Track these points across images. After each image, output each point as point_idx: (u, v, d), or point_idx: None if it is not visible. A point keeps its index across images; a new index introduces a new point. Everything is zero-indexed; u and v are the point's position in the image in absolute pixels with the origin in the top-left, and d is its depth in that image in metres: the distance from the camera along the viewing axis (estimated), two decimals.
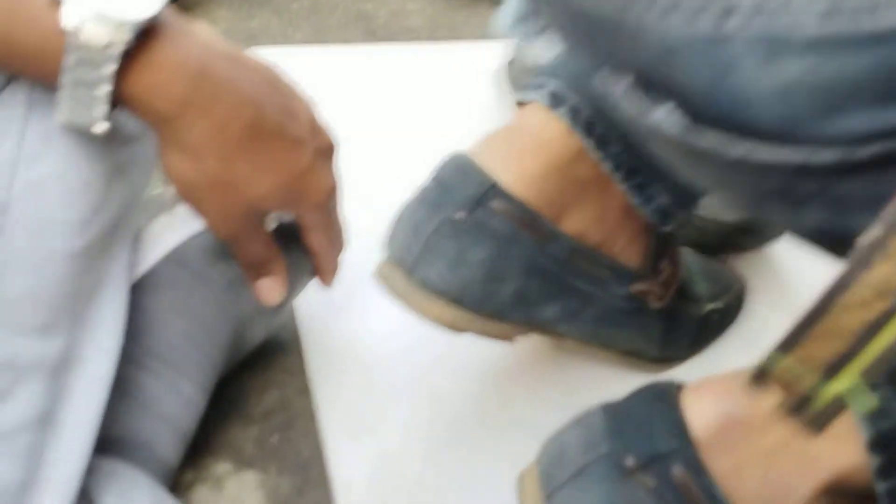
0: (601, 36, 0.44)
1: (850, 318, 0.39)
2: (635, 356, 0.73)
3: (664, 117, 0.42)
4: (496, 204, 0.63)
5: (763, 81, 0.38)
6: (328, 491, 0.67)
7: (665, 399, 0.55)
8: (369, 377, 0.75)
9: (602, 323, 0.69)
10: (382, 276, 0.66)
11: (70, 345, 0.53)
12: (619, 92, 0.45)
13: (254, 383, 0.74)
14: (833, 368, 0.41)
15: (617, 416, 0.55)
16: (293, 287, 0.68)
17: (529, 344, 0.78)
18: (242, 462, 0.69)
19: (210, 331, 0.65)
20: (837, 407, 0.43)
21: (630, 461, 0.52)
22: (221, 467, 0.68)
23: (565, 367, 0.76)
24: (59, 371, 0.52)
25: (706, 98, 0.39)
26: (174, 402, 0.62)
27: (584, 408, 0.59)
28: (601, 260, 0.66)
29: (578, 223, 0.65)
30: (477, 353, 0.77)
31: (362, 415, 0.72)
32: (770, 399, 0.45)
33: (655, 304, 0.69)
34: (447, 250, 0.63)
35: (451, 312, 0.64)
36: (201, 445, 0.68)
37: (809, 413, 0.43)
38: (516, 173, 0.63)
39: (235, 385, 0.73)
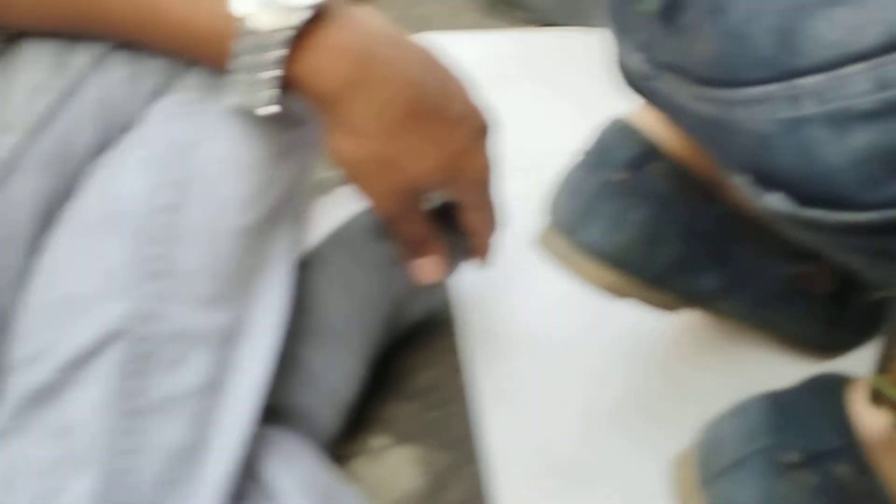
0: (712, 132, 0.47)
1: None
2: (800, 341, 0.71)
3: (776, 202, 0.44)
4: (656, 166, 0.62)
5: (840, 151, 0.40)
6: (483, 467, 0.68)
7: (831, 393, 0.53)
8: (524, 357, 0.75)
9: (763, 302, 0.67)
10: (544, 241, 0.66)
11: (238, 318, 0.55)
12: (737, 181, 0.47)
13: (411, 361, 0.76)
14: None
15: (778, 407, 0.54)
16: (450, 266, 0.69)
17: (691, 323, 0.76)
18: (400, 437, 0.71)
19: (370, 308, 0.66)
20: None
21: (791, 457, 0.51)
22: (379, 441, 0.70)
23: (727, 348, 0.74)
24: (228, 342, 0.54)
25: (801, 179, 0.42)
26: (336, 375, 0.64)
27: (745, 393, 0.57)
28: (761, 232, 0.64)
29: (738, 191, 0.64)
30: (634, 334, 0.76)
31: (516, 393, 0.72)
32: (886, 417, 0.44)
33: (820, 289, 0.67)
34: (608, 212, 0.62)
35: (612, 276, 0.63)
36: (361, 419, 0.71)
37: None
38: (676, 136, 0.62)
39: (394, 363, 0.75)
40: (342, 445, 0.69)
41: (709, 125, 0.46)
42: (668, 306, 0.67)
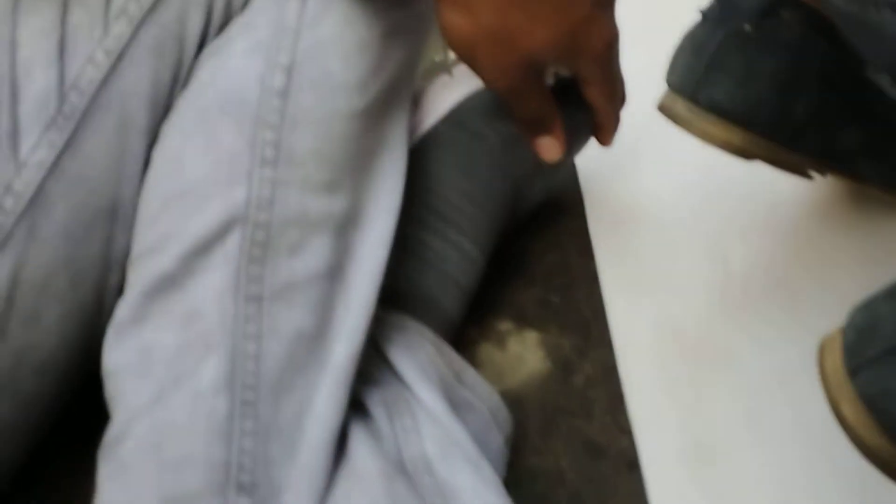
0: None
1: None
2: None
3: None
4: (787, 12, 0.57)
5: None
6: (609, 350, 0.66)
7: None
8: (652, 237, 0.73)
9: None
10: (664, 106, 0.63)
11: (354, 203, 0.55)
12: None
13: (535, 245, 0.74)
14: None
15: None
16: (572, 145, 0.67)
17: (827, 193, 0.72)
18: (524, 321, 0.70)
19: (489, 189, 0.65)
20: None
21: None
22: (504, 326, 0.69)
23: (869, 225, 0.70)
24: (345, 227, 0.54)
25: None
26: (456, 259, 0.63)
27: (890, 276, 0.54)
28: None
29: None
30: (767, 210, 0.72)
31: (645, 275, 0.70)
32: None
33: None
34: (734, 65, 0.58)
35: (740, 135, 0.60)
36: (484, 304, 0.70)
37: None
38: None
39: (517, 246, 0.74)
40: (466, 329, 0.68)
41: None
42: (802, 169, 0.62)
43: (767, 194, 0.73)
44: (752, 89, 0.58)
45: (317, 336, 0.52)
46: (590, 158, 0.77)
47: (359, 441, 0.51)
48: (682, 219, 0.73)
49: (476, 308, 0.69)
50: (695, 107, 0.60)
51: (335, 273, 0.53)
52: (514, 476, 0.59)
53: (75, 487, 0.55)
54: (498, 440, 0.58)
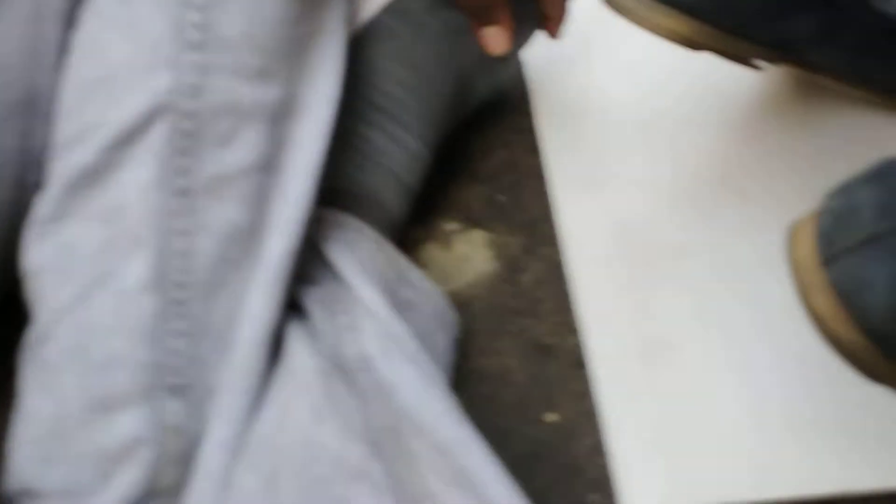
0: None
1: None
2: None
3: None
4: None
5: None
6: (558, 249, 0.65)
7: None
8: (601, 135, 0.70)
9: (862, 49, 0.60)
10: None
11: (289, 92, 0.52)
12: None
13: (481, 143, 0.72)
14: None
15: None
16: (519, 37, 0.64)
17: (778, 89, 0.70)
18: (470, 220, 0.67)
19: (432, 82, 0.62)
20: None
21: None
22: (450, 225, 0.67)
23: (820, 118, 0.68)
24: (280, 118, 0.51)
25: None
26: (399, 155, 0.61)
27: (844, 169, 0.52)
28: None
29: None
30: (718, 106, 0.70)
31: (595, 172, 0.68)
32: None
33: None
34: None
35: (685, 24, 0.57)
36: (429, 204, 0.67)
37: None
38: None
39: (462, 144, 0.71)
40: (411, 230, 0.66)
41: None
42: (751, 60, 0.60)
43: (719, 90, 0.71)
44: None
45: (251, 231, 0.49)
46: (537, 53, 0.74)
47: (296, 340, 0.48)
48: (631, 116, 0.71)
49: (420, 208, 0.66)
50: None
51: (270, 165, 0.50)
52: (461, 377, 0.58)
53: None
54: (443, 341, 0.56)
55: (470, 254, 0.65)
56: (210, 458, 0.44)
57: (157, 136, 0.48)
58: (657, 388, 0.57)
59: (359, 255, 0.54)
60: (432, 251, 0.66)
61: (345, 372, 0.47)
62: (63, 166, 0.49)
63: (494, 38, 0.60)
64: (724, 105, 0.70)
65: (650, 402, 0.56)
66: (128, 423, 0.45)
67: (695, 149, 0.68)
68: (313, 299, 0.51)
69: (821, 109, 0.69)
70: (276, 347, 0.49)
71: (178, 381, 0.46)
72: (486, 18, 0.59)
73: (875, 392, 0.53)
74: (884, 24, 0.59)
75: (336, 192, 0.58)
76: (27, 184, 0.53)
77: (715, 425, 0.55)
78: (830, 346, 0.46)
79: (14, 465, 0.45)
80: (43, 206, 0.49)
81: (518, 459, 0.51)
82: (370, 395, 0.45)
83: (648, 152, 0.69)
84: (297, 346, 0.48)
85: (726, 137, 0.69)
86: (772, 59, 0.61)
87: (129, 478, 0.44)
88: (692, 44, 0.59)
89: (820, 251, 0.46)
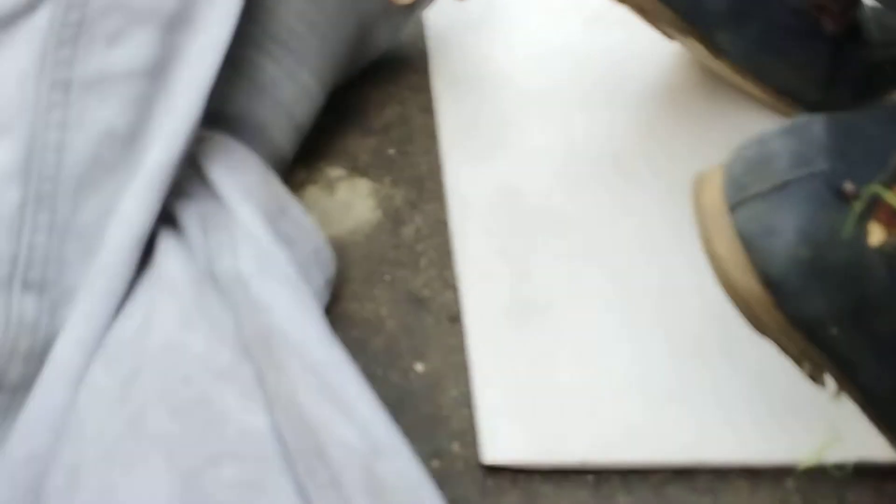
0: None
1: None
2: (794, 96, 0.66)
3: None
4: None
5: None
6: (442, 206, 0.64)
7: None
8: (497, 99, 0.71)
9: (767, 42, 0.62)
10: None
11: (187, 3, 0.50)
12: None
13: (376, 96, 0.71)
14: None
15: (843, 132, 0.46)
16: None
17: (678, 80, 0.72)
18: (357, 170, 0.67)
19: (334, 22, 0.61)
20: None
21: (849, 186, 0.45)
22: (335, 172, 0.66)
23: (715, 109, 0.70)
24: (173, 26, 0.49)
25: None
26: (291, 90, 0.59)
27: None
28: None
29: None
30: (616, 86, 0.71)
31: (486, 138, 0.68)
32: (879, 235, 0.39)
33: (829, 27, 0.62)
34: None
35: None
36: (316, 150, 0.66)
37: None
38: None
39: (356, 96, 0.70)
40: (295, 171, 0.65)
41: None
42: (666, 26, 0.61)
43: (618, 71, 0.72)
44: None
45: (130, 137, 0.47)
46: (440, 14, 0.74)
47: (167, 250, 0.47)
48: (528, 86, 0.72)
49: (307, 152, 0.65)
50: None
51: (157, 72, 0.48)
52: (332, 320, 0.56)
53: None
54: (318, 280, 0.55)
55: (353, 201, 0.65)
56: (63, 355, 0.42)
57: (40, 23, 0.46)
58: (527, 348, 0.57)
59: (242, 179, 0.53)
60: (315, 194, 0.64)
61: (218, 285, 0.45)
62: None
63: None
64: (622, 86, 0.72)
65: (518, 361, 0.56)
66: None
67: (588, 125, 0.69)
68: (190, 214, 0.50)
69: (715, 104, 0.70)
70: (146, 257, 0.47)
71: (34, 276, 0.43)
72: None
73: (748, 366, 0.55)
74: (789, 21, 0.61)
75: (225, 118, 0.56)
76: None
77: (578, 389, 0.55)
78: (725, 293, 0.47)
79: None
80: None
81: (383, 406, 0.50)
82: (243, 309, 0.44)
83: (542, 123, 0.69)
84: (169, 256, 0.46)
85: (621, 118, 0.70)
86: (681, 29, 0.62)
87: None
88: None
89: (728, 196, 0.46)
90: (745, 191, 0.46)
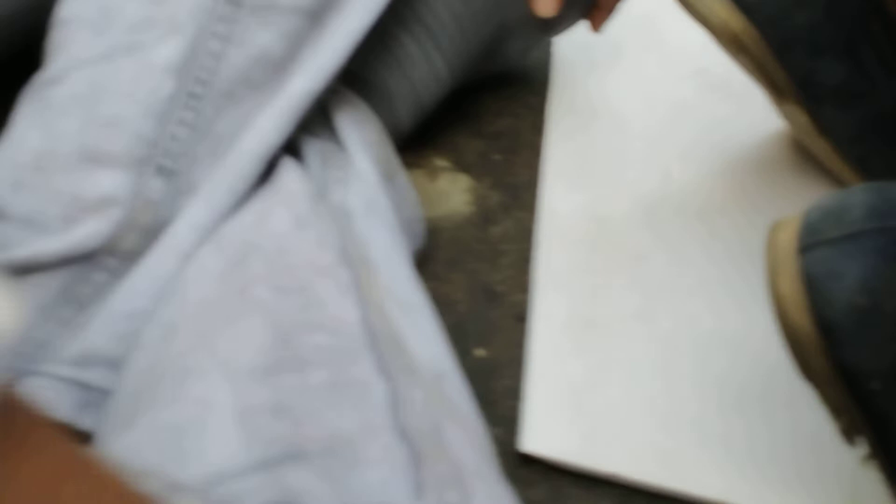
0: None
1: None
2: None
3: None
4: None
5: None
6: (532, 216, 0.67)
7: None
8: (605, 135, 0.74)
9: (872, 126, 0.64)
10: None
11: None
12: None
13: (493, 105, 0.75)
14: None
15: None
16: (566, 12, 0.67)
17: (778, 150, 0.74)
18: (461, 165, 0.70)
19: (476, 19, 0.65)
20: None
21: None
22: (441, 163, 0.70)
23: (807, 188, 0.72)
24: None
25: None
26: (424, 70, 0.63)
27: None
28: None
29: None
30: (718, 142, 0.74)
31: (586, 165, 0.71)
32: None
33: None
34: None
35: (739, 22, 0.61)
36: (429, 140, 0.70)
37: None
38: None
39: (476, 102, 0.74)
40: (406, 154, 0.68)
41: None
42: (777, 89, 0.64)
43: (722, 130, 0.75)
44: None
45: (280, 64, 0.51)
46: (569, 44, 0.78)
47: (290, 171, 0.50)
48: (635, 127, 0.75)
49: (421, 140, 0.69)
50: None
51: (316, 15, 0.52)
52: None
53: None
54: (409, 246, 0.58)
55: (451, 192, 0.68)
56: (178, 232, 0.45)
57: None
58: (581, 360, 0.59)
59: (363, 134, 0.56)
60: (418, 178, 0.68)
61: (328, 210, 0.49)
62: None
63: (544, 1, 0.64)
64: (723, 145, 0.74)
65: (571, 368, 0.59)
66: (109, 181, 0.46)
67: (682, 175, 0.72)
68: (313, 149, 0.53)
69: (805, 183, 0.73)
70: (268, 172, 0.50)
71: (168, 164, 0.47)
72: None
73: (787, 420, 0.56)
74: (893, 107, 0.63)
75: (360, 80, 0.60)
76: None
77: (621, 405, 0.57)
78: (780, 331, 0.48)
79: None
80: None
81: None
82: (347, 236, 0.47)
83: (640, 165, 0.72)
84: (290, 174, 0.50)
85: (717, 173, 0.72)
86: (792, 96, 0.65)
87: (92, 229, 0.45)
88: (735, 42, 0.62)
89: (800, 239, 0.48)
90: (818, 236, 0.48)
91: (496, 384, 0.58)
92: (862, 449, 0.48)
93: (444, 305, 0.61)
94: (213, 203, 0.47)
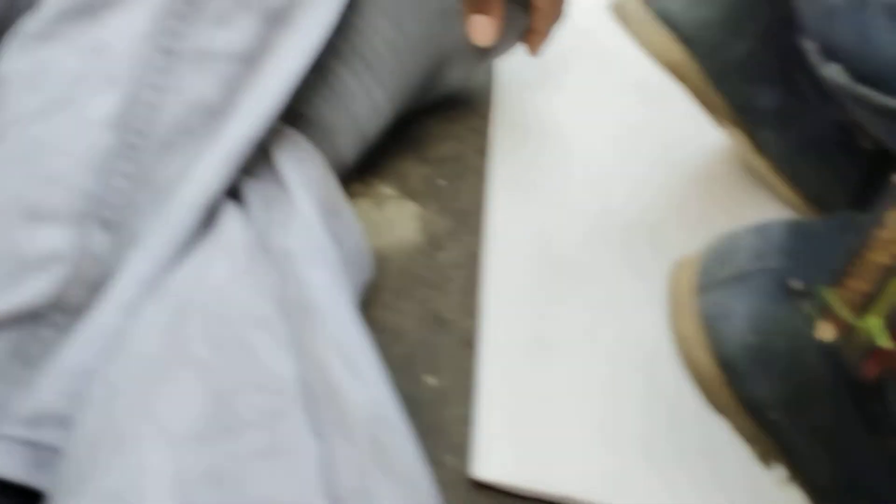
0: None
1: (876, 258, 0.43)
2: (821, 205, 0.70)
3: (834, 73, 0.47)
4: None
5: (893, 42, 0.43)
6: (478, 240, 0.68)
7: (853, 232, 0.52)
8: (548, 154, 0.75)
9: (806, 146, 0.66)
10: (619, 4, 0.65)
11: (292, 3, 0.54)
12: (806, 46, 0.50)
13: (436, 130, 0.76)
14: (862, 307, 0.43)
15: (799, 235, 0.53)
16: (503, 38, 0.68)
17: (720, 172, 0.76)
18: (407, 193, 0.71)
19: (414, 50, 0.65)
20: (869, 345, 0.43)
21: (796, 284, 0.50)
22: (387, 191, 0.71)
23: (745, 211, 0.74)
24: (276, 20, 0.54)
25: (858, 57, 0.45)
26: (364, 103, 0.64)
27: None
28: None
29: None
30: (659, 161, 0.76)
31: (531, 186, 0.73)
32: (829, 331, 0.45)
33: (865, 144, 0.66)
34: None
35: (678, 52, 0.63)
36: (373, 168, 0.71)
37: (851, 347, 0.44)
38: None
39: (418, 126, 0.75)
40: (351, 184, 0.69)
41: None
42: (717, 113, 0.66)
43: (665, 148, 0.76)
44: (705, 11, 0.62)
45: (217, 111, 0.52)
46: (509, 65, 0.79)
47: (230, 217, 0.51)
48: (580, 147, 0.76)
49: (364, 169, 0.70)
50: (647, 10, 0.63)
51: (252, 58, 0.53)
52: None
53: None
54: (356, 280, 0.59)
55: (398, 220, 0.69)
56: (123, 287, 0.46)
57: None
58: (532, 383, 0.61)
59: (305, 172, 0.57)
60: (365, 207, 0.69)
61: (268, 255, 0.49)
62: None
63: (482, 28, 0.65)
64: (664, 163, 0.76)
65: (523, 392, 0.60)
66: (52, 238, 0.46)
67: (627, 191, 0.73)
68: (254, 190, 0.54)
69: (747, 197, 0.74)
70: (209, 221, 0.51)
71: (110, 216, 0.48)
72: (480, 6, 0.64)
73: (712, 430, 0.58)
74: (831, 132, 0.66)
75: (298, 117, 0.61)
76: (19, 5, 0.54)
77: (573, 429, 0.59)
78: (686, 370, 0.51)
79: None
80: (32, 23, 0.50)
81: None
82: (286, 279, 0.47)
83: (584, 182, 0.73)
84: (230, 221, 0.50)
85: (658, 191, 0.74)
86: (731, 121, 0.67)
87: (39, 287, 0.45)
88: (676, 71, 0.64)
89: (697, 281, 0.52)
90: (711, 277, 0.51)
91: (447, 411, 0.59)
92: (781, 472, 0.51)
93: (393, 335, 0.62)
94: (155, 255, 0.47)
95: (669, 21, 0.62)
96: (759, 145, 0.68)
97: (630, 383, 0.61)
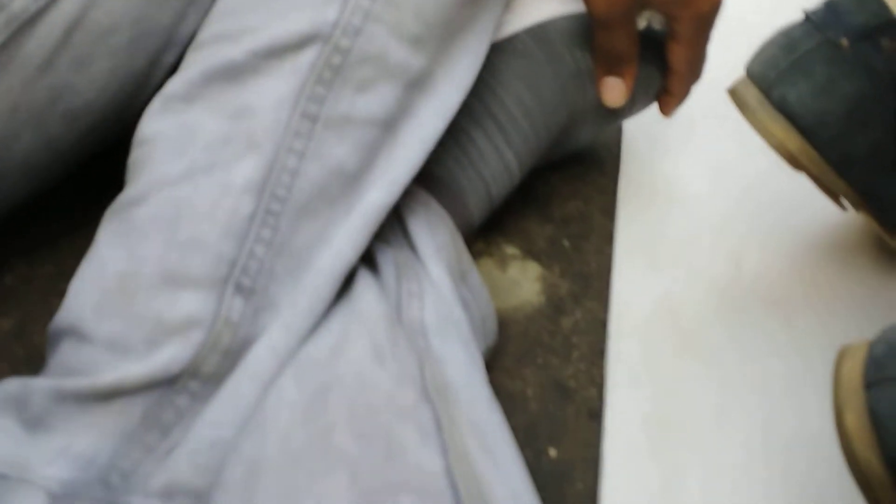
0: None
1: None
2: None
3: None
4: (886, 40, 0.58)
5: None
6: (604, 307, 0.67)
7: None
8: (675, 219, 0.73)
9: None
10: (736, 91, 0.63)
11: (431, 67, 0.54)
12: None
13: (562, 188, 0.74)
14: None
15: None
16: (635, 98, 0.67)
17: (852, 236, 0.73)
18: (531, 253, 0.70)
19: (547, 113, 0.64)
20: None
21: None
22: (510, 250, 0.69)
23: (882, 277, 0.71)
24: (415, 86, 0.53)
25: None
26: (495, 165, 0.63)
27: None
28: None
29: None
30: (792, 229, 0.73)
31: (658, 252, 0.71)
32: None
33: None
34: (817, 74, 0.59)
35: (797, 142, 0.60)
36: (498, 226, 0.70)
37: None
38: None
39: (545, 184, 0.74)
40: (475, 242, 0.68)
41: None
42: (839, 197, 0.63)
43: (797, 214, 0.74)
44: (826, 104, 0.59)
45: (355, 177, 0.51)
46: (639, 125, 0.77)
47: (366, 286, 0.50)
48: (708, 211, 0.74)
49: (489, 226, 0.69)
50: (765, 100, 0.61)
51: (391, 124, 0.53)
52: None
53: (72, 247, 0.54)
54: (482, 346, 0.57)
55: (521, 281, 0.67)
56: (258, 358, 0.46)
57: (305, 60, 0.50)
58: (658, 459, 0.58)
59: (436, 237, 0.56)
60: (488, 267, 0.68)
61: (404, 330, 0.49)
62: (208, 56, 0.51)
63: (614, 90, 0.63)
64: (797, 231, 0.73)
65: (648, 470, 0.58)
66: (191, 303, 0.46)
67: (758, 261, 0.71)
68: (387, 259, 0.53)
69: (884, 273, 0.71)
70: (346, 287, 0.50)
71: (247, 282, 0.47)
72: (614, 68, 0.63)
73: None
74: None
75: (431, 177, 0.60)
76: (163, 63, 0.55)
77: None
78: (848, 467, 0.48)
79: (71, 302, 0.47)
80: (177, 84, 0.51)
81: None
82: (425, 359, 0.47)
83: (714, 251, 0.71)
84: (367, 291, 0.50)
85: (790, 262, 0.71)
86: (857, 205, 0.64)
87: (175, 352, 0.45)
88: (794, 162, 0.62)
89: (866, 374, 0.48)
90: (883, 371, 0.47)
91: (569, 487, 0.57)
92: None
93: (515, 403, 0.61)
94: (292, 325, 0.47)
95: (787, 112, 0.60)
96: (890, 228, 0.65)
97: (757, 464, 0.59)
